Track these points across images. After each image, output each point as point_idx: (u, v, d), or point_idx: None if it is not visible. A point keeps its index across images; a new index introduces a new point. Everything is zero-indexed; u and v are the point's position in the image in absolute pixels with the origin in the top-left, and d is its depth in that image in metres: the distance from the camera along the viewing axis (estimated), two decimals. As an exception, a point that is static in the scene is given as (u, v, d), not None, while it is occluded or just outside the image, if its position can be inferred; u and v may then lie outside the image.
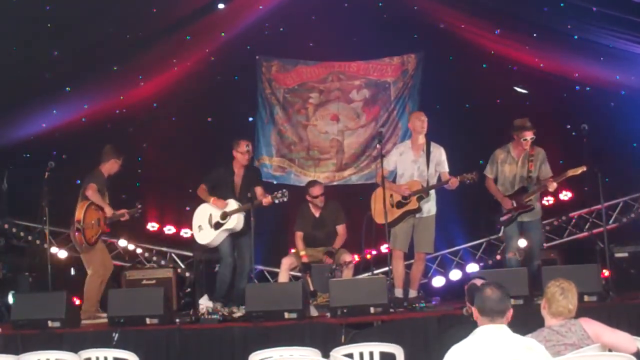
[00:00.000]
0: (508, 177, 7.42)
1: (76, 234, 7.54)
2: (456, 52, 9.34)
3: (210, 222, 7.54)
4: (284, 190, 7.39)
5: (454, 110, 9.25)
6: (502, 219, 7.35)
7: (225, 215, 7.43)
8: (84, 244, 7.53)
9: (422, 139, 7.51)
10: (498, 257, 9.04)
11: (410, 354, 5.22)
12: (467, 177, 7.19)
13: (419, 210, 7.36)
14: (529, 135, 7.25)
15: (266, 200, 7.31)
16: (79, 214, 7.50)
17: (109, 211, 7.62)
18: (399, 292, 7.40)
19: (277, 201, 7.28)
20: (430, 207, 7.47)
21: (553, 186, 7.24)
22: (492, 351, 3.51)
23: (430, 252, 7.95)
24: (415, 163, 7.47)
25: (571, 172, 7.09)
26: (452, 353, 3.55)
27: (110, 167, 7.78)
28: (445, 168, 7.48)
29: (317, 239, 7.98)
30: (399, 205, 7.39)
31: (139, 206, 7.96)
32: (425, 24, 9.30)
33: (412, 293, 7.49)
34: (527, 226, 7.40)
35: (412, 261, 7.70)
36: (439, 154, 7.49)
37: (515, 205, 7.27)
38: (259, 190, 7.55)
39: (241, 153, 7.60)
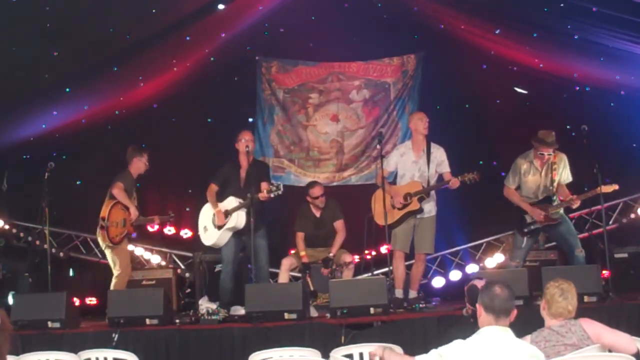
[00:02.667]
0: (532, 187, 7.26)
1: (100, 231, 7.51)
2: (456, 52, 9.34)
3: (214, 222, 7.45)
4: (279, 183, 7.28)
5: (454, 111, 9.26)
6: (526, 230, 7.17)
7: (226, 214, 7.35)
8: (108, 242, 7.50)
9: (422, 140, 7.50)
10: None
11: (410, 354, 5.22)
12: (468, 177, 7.15)
13: (420, 211, 7.34)
14: (547, 152, 7.10)
15: (261, 195, 7.18)
16: (104, 211, 7.47)
17: (133, 212, 7.56)
18: (399, 293, 7.39)
19: (272, 195, 7.14)
20: (430, 207, 7.46)
21: (577, 203, 7.07)
22: (497, 354, 3.52)
23: (430, 253, 7.94)
24: (416, 164, 7.45)
25: (604, 189, 6.85)
26: (456, 347, 3.57)
27: (136, 166, 7.73)
28: (447, 168, 7.45)
29: (317, 239, 7.97)
30: (401, 206, 7.39)
31: (172, 214, 7.95)
32: (425, 25, 9.30)
33: (412, 293, 7.49)
34: (552, 226, 7.23)
35: (412, 262, 7.70)
36: (440, 154, 7.47)
37: (542, 217, 7.11)
38: (264, 185, 7.42)
39: (238, 141, 7.45)
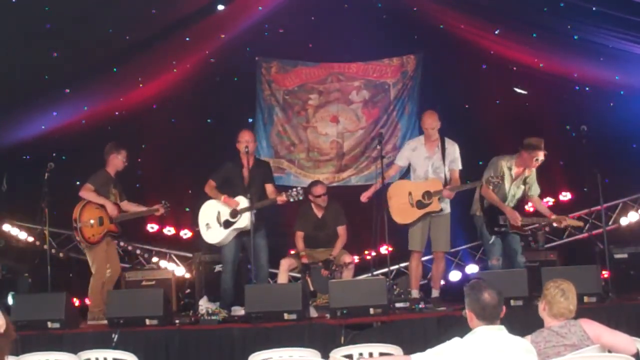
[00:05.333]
0: (504, 192, 7.26)
1: (74, 232, 7.51)
2: (456, 52, 9.35)
3: (219, 220, 7.36)
4: (299, 188, 7.26)
5: (454, 111, 9.24)
6: (496, 229, 7.19)
7: (235, 214, 7.27)
8: (84, 242, 7.48)
9: (435, 136, 7.37)
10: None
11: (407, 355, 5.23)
12: (492, 180, 7.03)
13: (440, 212, 7.26)
14: (541, 156, 7.13)
15: (280, 198, 7.13)
16: (75, 212, 7.47)
17: (111, 209, 7.50)
18: (415, 294, 7.32)
19: (292, 199, 7.10)
20: (446, 205, 7.34)
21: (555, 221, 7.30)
22: (493, 352, 3.54)
23: (447, 251, 7.78)
24: (429, 159, 7.34)
25: (569, 222, 7.31)
26: (454, 346, 3.58)
27: (113, 163, 7.70)
28: (458, 166, 7.36)
29: (318, 240, 7.97)
30: (420, 205, 7.23)
31: (167, 203, 7.85)
32: (425, 25, 9.30)
33: (434, 292, 7.43)
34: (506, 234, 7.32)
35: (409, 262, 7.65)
36: (454, 150, 7.36)
37: (518, 223, 7.15)
38: (269, 187, 7.40)
39: (238, 142, 7.43)
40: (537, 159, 7.14)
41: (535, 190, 7.35)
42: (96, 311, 7.33)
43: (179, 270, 9.25)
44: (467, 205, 8.35)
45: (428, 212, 7.25)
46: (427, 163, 7.35)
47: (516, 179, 7.28)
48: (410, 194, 7.25)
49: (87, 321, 7.34)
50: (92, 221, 7.47)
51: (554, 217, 7.23)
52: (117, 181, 7.76)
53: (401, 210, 7.24)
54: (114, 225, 7.59)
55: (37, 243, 9.29)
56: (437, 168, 7.32)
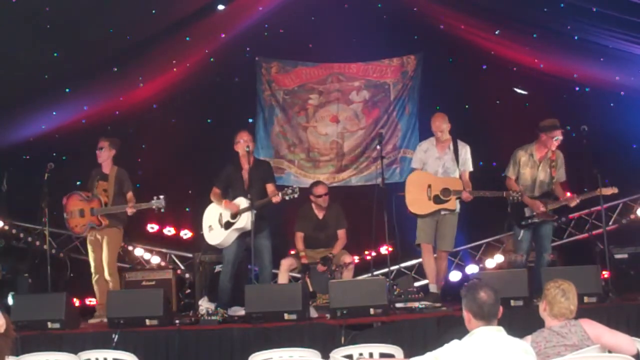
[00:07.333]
0: (527, 179, 7.31)
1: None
2: (456, 53, 9.36)
3: (221, 222, 7.40)
4: (295, 187, 7.27)
5: (454, 112, 9.20)
6: (524, 223, 7.23)
7: (235, 215, 7.31)
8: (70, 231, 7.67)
9: (445, 137, 7.38)
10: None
11: (409, 355, 5.22)
12: (513, 195, 7.09)
13: (454, 211, 7.26)
14: (560, 135, 7.18)
15: (275, 198, 7.15)
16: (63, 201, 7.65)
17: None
18: (433, 288, 7.31)
19: (287, 197, 7.09)
20: (455, 204, 7.33)
21: (575, 202, 7.17)
22: (492, 353, 3.54)
23: (450, 250, 7.75)
24: (440, 160, 7.35)
25: (604, 191, 7.00)
26: (452, 349, 3.58)
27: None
28: (469, 167, 7.37)
29: (318, 240, 7.97)
30: (437, 200, 7.22)
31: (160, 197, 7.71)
32: (425, 25, 9.31)
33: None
34: (539, 224, 7.29)
35: (418, 260, 7.62)
36: (465, 152, 7.37)
37: (542, 211, 7.16)
38: (270, 187, 7.40)
39: (236, 143, 7.44)
40: (556, 139, 7.18)
41: (560, 175, 7.34)
42: (99, 308, 7.35)
43: (179, 271, 9.23)
44: (467, 205, 8.37)
45: (442, 209, 7.25)
46: (438, 163, 7.37)
47: (541, 163, 7.30)
48: (429, 186, 7.25)
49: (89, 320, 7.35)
50: (73, 211, 7.58)
51: (567, 196, 7.20)
52: (107, 175, 7.69)
53: (417, 200, 7.23)
54: (95, 218, 7.54)
55: (37, 243, 9.28)
56: (448, 169, 7.33)
